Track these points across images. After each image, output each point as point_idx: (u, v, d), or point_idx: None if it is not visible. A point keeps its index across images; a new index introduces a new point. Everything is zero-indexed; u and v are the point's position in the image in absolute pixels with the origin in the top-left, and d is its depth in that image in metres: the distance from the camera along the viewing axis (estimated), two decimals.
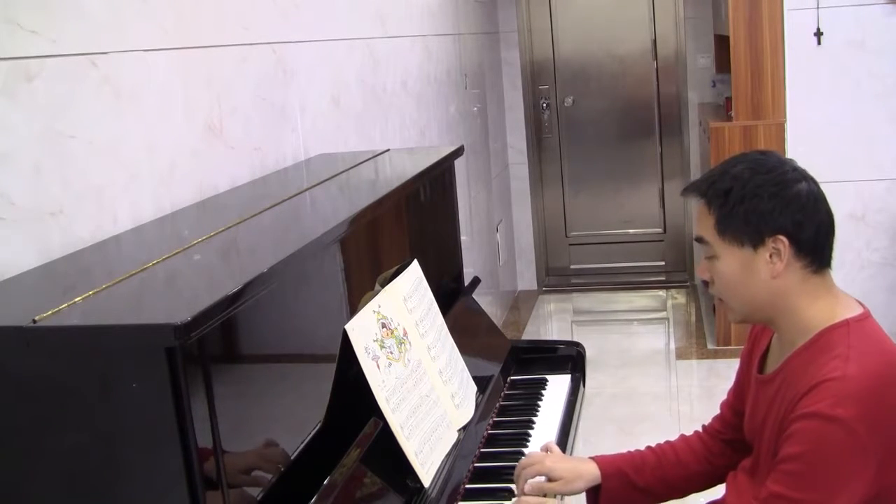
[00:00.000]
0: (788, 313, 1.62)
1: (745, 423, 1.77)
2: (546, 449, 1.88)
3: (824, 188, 1.65)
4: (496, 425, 2.10)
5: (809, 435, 1.49)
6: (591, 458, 1.87)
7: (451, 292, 2.38)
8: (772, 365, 1.69)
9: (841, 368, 1.50)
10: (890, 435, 1.49)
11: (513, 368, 2.41)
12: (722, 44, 5.22)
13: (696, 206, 1.66)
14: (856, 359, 1.51)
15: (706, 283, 1.73)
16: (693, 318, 5.46)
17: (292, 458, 1.44)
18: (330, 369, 1.61)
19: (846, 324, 1.57)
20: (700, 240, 1.65)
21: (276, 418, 1.44)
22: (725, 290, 1.65)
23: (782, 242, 1.57)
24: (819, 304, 1.60)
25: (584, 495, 1.87)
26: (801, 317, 1.61)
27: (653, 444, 1.92)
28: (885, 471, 1.50)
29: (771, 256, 1.58)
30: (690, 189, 1.67)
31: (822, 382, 1.50)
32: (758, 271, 1.59)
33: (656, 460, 1.87)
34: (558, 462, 1.83)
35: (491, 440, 2.03)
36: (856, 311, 1.60)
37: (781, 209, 1.57)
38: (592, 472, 1.83)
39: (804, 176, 1.61)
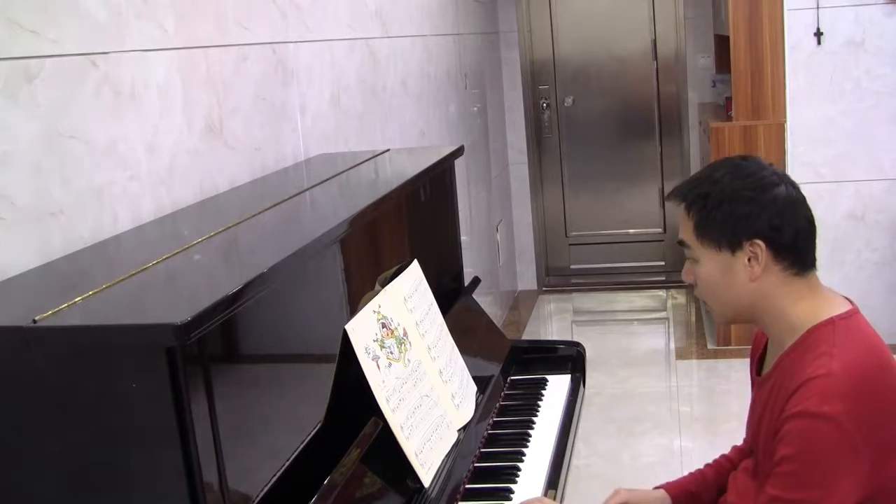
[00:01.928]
0: (773, 314, 1.63)
1: (746, 425, 1.78)
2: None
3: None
4: (496, 425, 2.10)
5: (799, 435, 1.50)
6: (656, 487, 1.89)
7: (451, 292, 2.38)
8: (767, 366, 1.70)
9: (826, 366, 1.51)
10: (880, 429, 1.50)
11: (513, 368, 2.41)
12: (722, 44, 5.22)
13: (678, 210, 1.68)
14: (840, 355, 1.52)
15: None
16: (693, 318, 5.46)
17: (292, 458, 1.44)
18: (330, 369, 1.61)
19: (832, 322, 1.58)
20: (682, 243, 1.67)
21: (277, 418, 1.44)
22: (707, 292, 1.67)
23: (759, 246, 1.58)
24: (802, 304, 1.61)
25: None
26: (786, 317, 1.62)
27: (710, 461, 1.94)
28: (880, 468, 1.51)
29: (749, 260, 1.59)
30: (673, 194, 1.69)
31: (808, 381, 1.51)
32: (737, 274, 1.61)
33: (716, 474, 1.89)
34: (633, 495, 1.84)
35: (491, 440, 2.03)
36: (842, 309, 1.61)
37: (758, 213, 1.58)
38: (663, 499, 1.85)
39: (784, 180, 1.62)
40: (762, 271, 1.59)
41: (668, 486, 1.88)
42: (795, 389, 1.52)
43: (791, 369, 1.57)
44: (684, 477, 1.91)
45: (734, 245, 1.59)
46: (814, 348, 1.56)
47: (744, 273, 1.60)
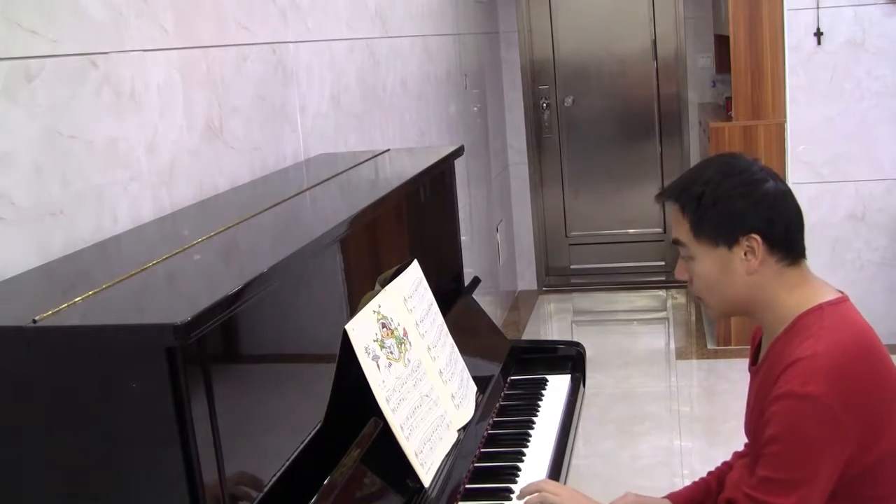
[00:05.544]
0: (767, 305, 1.67)
1: (744, 418, 1.79)
2: None
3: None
4: (496, 425, 2.10)
5: (784, 415, 1.54)
6: (664, 497, 1.86)
7: (451, 292, 2.38)
8: (761, 357, 1.73)
9: (812, 348, 1.55)
10: (865, 410, 1.53)
11: (513, 368, 2.41)
12: (722, 44, 5.21)
13: (670, 210, 1.71)
14: (826, 338, 1.56)
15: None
16: (693, 318, 5.46)
17: (292, 457, 1.44)
18: (330, 369, 1.61)
19: (820, 307, 1.62)
20: (677, 242, 1.71)
21: (277, 418, 1.44)
22: (704, 288, 1.71)
23: (755, 240, 1.63)
24: (796, 293, 1.65)
25: None
26: (779, 307, 1.66)
27: (712, 469, 1.93)
28: (866, 448, 1.53)
29: (746, 254, 1.64)
30: (664, 195, 1.73)
31: (794, 363, 1.55)
32: (734, 269, 1.65)
33: (718, 481, 1.89)
34: (640, 500, 1.79)
35: (491, 440, 2.03)
36: (832, 296, 1.65)
37: (752, 209, 1.63)
38: None
39: (771, 175, 1.67)
40: (759, 264, 1.63)
41: (673, 496, 1.87)
42: (782, 372, 1.56)
43: (779, 355, 1.61)
44: (688, 486, 1.91)
45: (731, 241, 1.64)
46: (802, 332, 1.60)
47: (741, 267, 1.64)
